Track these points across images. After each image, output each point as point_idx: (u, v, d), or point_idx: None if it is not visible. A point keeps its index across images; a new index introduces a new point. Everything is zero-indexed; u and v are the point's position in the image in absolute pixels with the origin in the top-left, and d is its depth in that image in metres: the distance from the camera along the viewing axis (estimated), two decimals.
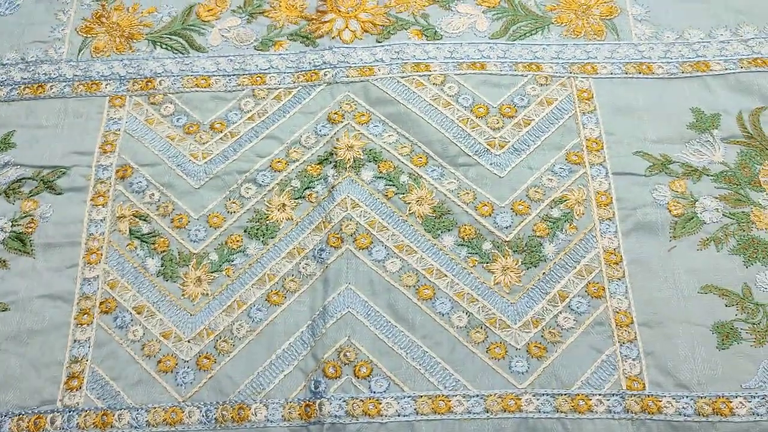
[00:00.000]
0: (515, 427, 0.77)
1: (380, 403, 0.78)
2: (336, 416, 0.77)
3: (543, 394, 0.78)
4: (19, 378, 0.81)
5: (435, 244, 0.87)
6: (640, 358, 0.80)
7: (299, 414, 0.78)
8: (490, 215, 0.89)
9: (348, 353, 0.81)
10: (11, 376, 0.81)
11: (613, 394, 0.78)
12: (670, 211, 0.88)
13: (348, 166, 0.92)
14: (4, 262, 0.88)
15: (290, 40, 1.02)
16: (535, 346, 0.81)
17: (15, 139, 0.95)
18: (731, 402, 0.77)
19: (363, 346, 0.81)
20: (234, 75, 0.99)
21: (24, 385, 0.81)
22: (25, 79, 1.00)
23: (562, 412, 0.77)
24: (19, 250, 0.88)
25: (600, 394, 0.78)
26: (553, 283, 0.85)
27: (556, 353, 0.81)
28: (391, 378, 0.79)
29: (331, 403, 0.78)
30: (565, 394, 0.78)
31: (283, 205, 0.90)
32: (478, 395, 0.78)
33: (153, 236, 0.89)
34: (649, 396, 0.78)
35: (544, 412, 0.77)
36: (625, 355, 0.80)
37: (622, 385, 0.79)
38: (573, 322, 0.82)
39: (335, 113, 0.95)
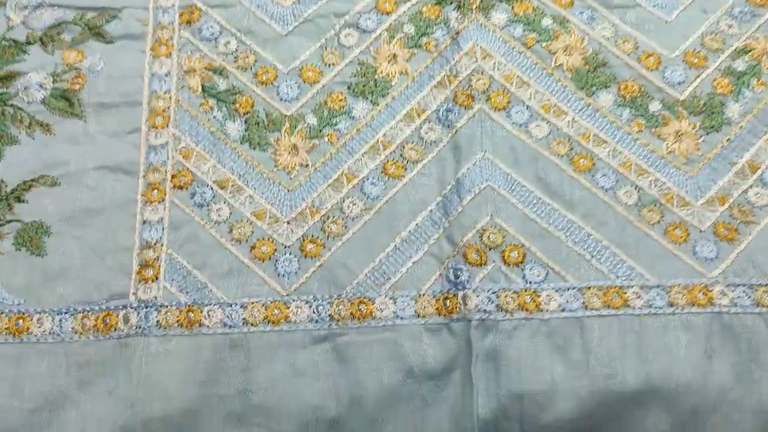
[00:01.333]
0: (707, 323, 0.61)
1: (539, 296, 0.62)
2: (485, 311, 0.61)
3: (739, 285, 0.63)
4: (80, 267, 0.65)
5: (589, 104, 0.70)
6: None
7: (437, 309, 0.62)
8: (657, 68, 0.71)
9: (493, 235, 0.64)
10: (69, 266, 0.65)
11: None
12: None
13: (474, 6, 0.72)
14: (47, 126, 0.70)
15: None
16: (723, 227, 0.65)
17: None
18: None
19: (510, 227, 0.65)
20: None
21: (86, 276, 0.64)
22: None
23: (763, 306, 0.62)
24: (66, 112, 0.70)
25: None
26: (740, 152, 0.68)
27: (751, 236, 0.65)
28: (549, 265, 0.64)
29: (478, 296, 0.62)
30: (767, 285, 0.63)
31: (394, 55, 0.72)
32: (658, 286, 0.63)
33: (232, 94, 0.71)
34: None
35: (742, 306, 0.62)
36: None
37: None
38: None
39: None
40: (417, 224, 0.65)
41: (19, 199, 0.67)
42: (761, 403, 0.59)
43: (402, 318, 0.62)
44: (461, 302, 0.62)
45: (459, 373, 0.60)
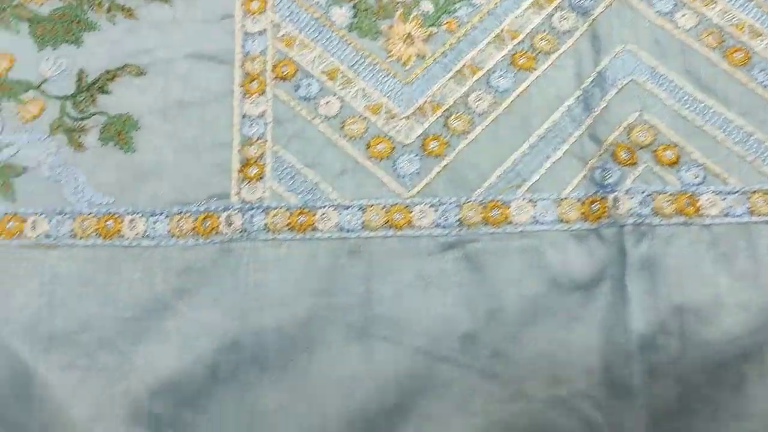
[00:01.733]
0: None
1: (698, 200, 0.55)
2: (639, 215, 0.54)
3: None
4: (173, 165, 0.58)
5: None
6: None
7: (582, 214, 0.56)
8: None
9: (642, 133, 0.57)
10: (162, 163, 0.58)
11: None
12: None
13: None
14: (129, 10, 0.62)
15: None
16: None
17: None
18: None
19: (662, 124, 0.57)
20: None
21: (181, 175, 0.58)
22: None
23: None
24: None
25: None
26: None
27: None
28: (707, 167, 0.56)
29: (631, 198, 0.55)
30: None
31: None
32: None
33: None
34: None
35: None
36: None
37: None
38: None
39: None
40: (554, 121, 0.58)
41: (102, 90, 0.60)
42: None
43: (542, 223, 0.55)
44: (611, 205, 0.55)
45: (609, 283, 0.54)
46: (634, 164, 0.56)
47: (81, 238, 0.56)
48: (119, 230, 0.56)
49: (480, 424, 0.53)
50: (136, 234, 0.56)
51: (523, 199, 0.56)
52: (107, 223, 0.56)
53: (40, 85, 0.60)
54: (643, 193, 0.55)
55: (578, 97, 0.59)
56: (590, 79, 0.59)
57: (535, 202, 0.56)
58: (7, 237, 0.56)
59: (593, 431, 0.52)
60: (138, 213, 0.57)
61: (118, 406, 0.53)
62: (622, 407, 0.52)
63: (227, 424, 0.53)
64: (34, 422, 0.52)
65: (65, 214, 0.57)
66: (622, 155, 0.56)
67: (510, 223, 0.56)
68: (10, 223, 0.56)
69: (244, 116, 0.59)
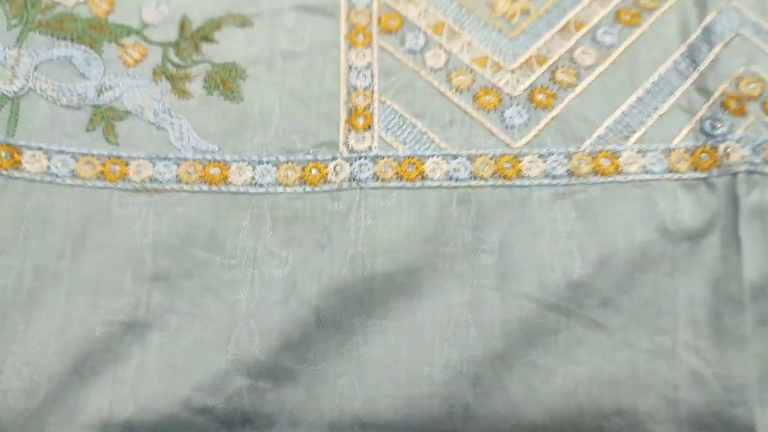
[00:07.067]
0: None
1: None
2: (752, 163, 0.55)
3: None
4: (282, 115, 0.58)
5: None
6: None
7: (692, 164, 0.56)
8: None
9: (751, 85, 0.57)
10: (268, 113, 0.58)
11: None
12: None
13: None
14: None
15: None
16: None
17: None
18: None
19: None
20: None
21: (288, 124, 0.58)
22: None
23: None
24: None
25: None
26: None
27: None
28: None
29: (744, 146, 0.55)
30: None
31: None
32: None
33: None
34: None
35: None
36: None
37: None
38: None
39: None
40: (660, 75, 0.58)
41: (206, 39, 0.60)
42: None
43: (652, 172, 0.56)
44: (722, 154, 0.55)
45: (719, 234, 0.54)
46: (744, 115, 0.56)
47: (187, 183, 0.56)
48: (226, 177, 0.56)
49: (585, 373, 0.53)
50: (244, 181, 0.56)
51: (632, 149, 0.56)
52: (213, 170, 0.56)
53: (141, 31, 0.60)
54: (754, 141, 0.55)
55: (684, 53, 0.59)
56: (696, 35, 0.59)
57: (645, 152, 0.56)
58: (111, 180, 0.56)
59: (698, 381, 0.52)
60: (245, 161, 0.57)
61: (221, 353, 0.53)
62: (730, 358, 0.52)
63: (329, 371, 0.53)
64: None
65: (170, 160, 0.57)
66: (733, 105, 0.56)
67: (620, 173, 0.56)
68: (114, 167, 0.56)
69: (350, 67, 0.59)
